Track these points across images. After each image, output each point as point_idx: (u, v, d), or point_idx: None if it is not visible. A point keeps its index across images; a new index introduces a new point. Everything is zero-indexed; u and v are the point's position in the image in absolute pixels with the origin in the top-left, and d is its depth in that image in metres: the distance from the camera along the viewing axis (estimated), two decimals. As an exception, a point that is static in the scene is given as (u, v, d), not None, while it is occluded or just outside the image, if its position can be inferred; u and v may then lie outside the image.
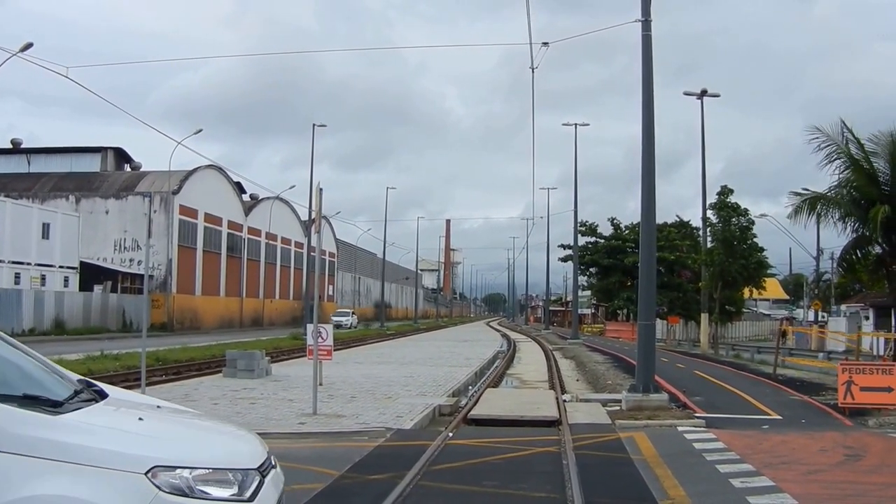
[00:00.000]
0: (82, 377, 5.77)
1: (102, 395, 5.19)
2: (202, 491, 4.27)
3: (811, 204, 20.24)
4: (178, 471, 4.23)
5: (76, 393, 5.00)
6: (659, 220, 19.62)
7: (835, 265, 48.12)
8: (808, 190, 20.81)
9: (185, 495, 4.21)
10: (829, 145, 19.75)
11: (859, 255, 20.87)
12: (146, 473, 4.14)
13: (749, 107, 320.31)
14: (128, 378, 19.79)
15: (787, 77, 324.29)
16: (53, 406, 4.49)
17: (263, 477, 4.67)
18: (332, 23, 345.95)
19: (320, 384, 15.86)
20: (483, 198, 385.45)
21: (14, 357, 5.04)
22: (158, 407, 5.51)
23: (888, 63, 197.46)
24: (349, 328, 70.12)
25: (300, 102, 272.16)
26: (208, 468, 4.36)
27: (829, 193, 20.43)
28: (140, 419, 4.78)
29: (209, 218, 69.28)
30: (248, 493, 4.45)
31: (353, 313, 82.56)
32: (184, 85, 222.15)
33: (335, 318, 70.82)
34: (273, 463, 5.01)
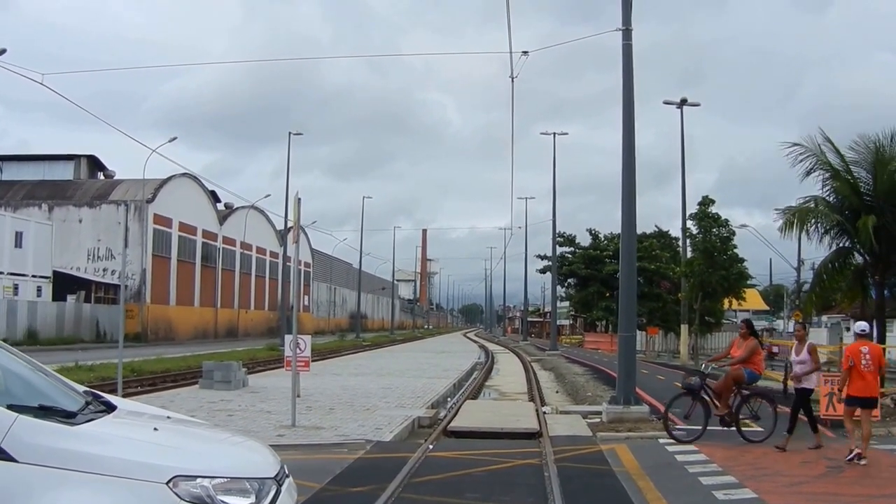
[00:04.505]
0: (88, 388, 5.74)
1: (111, 407, 5.22)
2: (221, 500, 4.30)
3: (801, 217, 20.20)
4: (198, 480, 4.26)
5: (86, 404, 5.02)
6: (639, 230, 19.68)
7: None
8: (792, 207, 20.86)
9: None
10: (807, 157, 19.83)
11: (838, 267, 20.92)
12: (167, 483, 4.16)
13: (745, 116, 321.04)
14: (103, 389, 19.25)
15: (784, 86, 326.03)
16: (68, 417, 4.51)
17: (280, 486, 4.71)
18: (339, 32, 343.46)
19: (298, 396, 15.69)
20: (472, 208, 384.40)
21: (21, 369, 5.04)
22: (168, 417, 5.55)
23: (887, 73, 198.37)
24: None
25: (297, 110, 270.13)
26: (226, 477, 4.39)
27: (809, 203, 20.45)
28: (155, 429, 4.82)
29: (184, 227, 68.77)
30: (265, 502, 4.49)
31: None
32: (181, 92, 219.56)
33: None
34: (287, 472, 5.05)
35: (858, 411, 11.99)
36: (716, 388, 13.86)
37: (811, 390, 13.22)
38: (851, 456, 11.73)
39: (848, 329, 43.68)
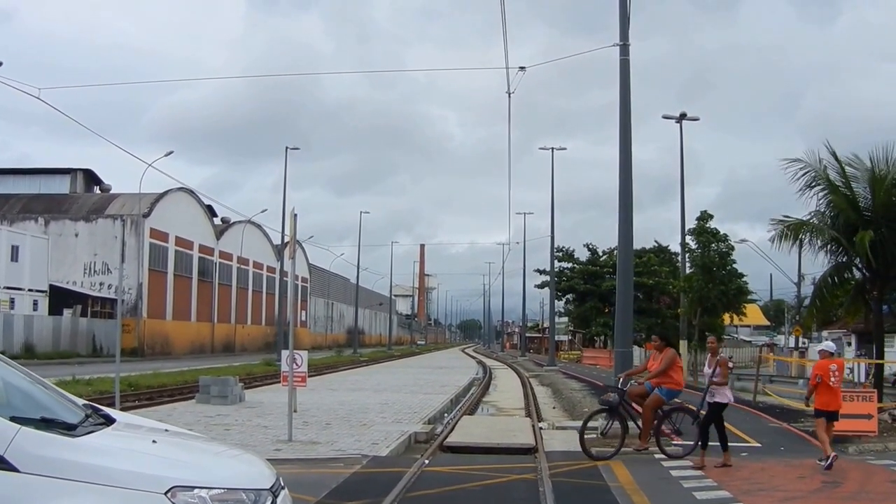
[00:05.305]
0: (87, 402, 5.83)
1: (110, 420, 5.33)
2: None
3: (795, 230, 20.19)
4: (196, 491, 4.35)
5: (86, 417, 5.14)
6: (637, 245, 19.72)
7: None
8: (789, 217, 20.85)
9: None
10: (807, 172, 19.88)
11: (837, 281, 20.93)
12: (166, 493, 4.27)
13: (748, 129, 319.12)
14: (101, 403, 19.09)
15: (788, 99, 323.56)
16: (69, 429, 4.63)
17: (275, 497, 4.81)
18: (340, 44, 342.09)
19: (295, 411, 15.67)
20: (472, 223, 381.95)
21: (22, 382, 5.15)
22: (166, 430, 5.67)
23: (893, 84, 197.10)
24: None
25: (298, 124, 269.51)
26: (223, 488, 4.49)
27: (810, 219, 20.48)
28: (154, 441, 4.93)
29: (180, 241, 68.79)
30: None
31: None
32: (180, 105, 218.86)
33: None
34: (282, 484, 5.14)
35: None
36: (631, 397, 13.67)
37: (724, 405, 12.88)
38: (828, 462, 12.02)
39: (849, 344, 43.60)
